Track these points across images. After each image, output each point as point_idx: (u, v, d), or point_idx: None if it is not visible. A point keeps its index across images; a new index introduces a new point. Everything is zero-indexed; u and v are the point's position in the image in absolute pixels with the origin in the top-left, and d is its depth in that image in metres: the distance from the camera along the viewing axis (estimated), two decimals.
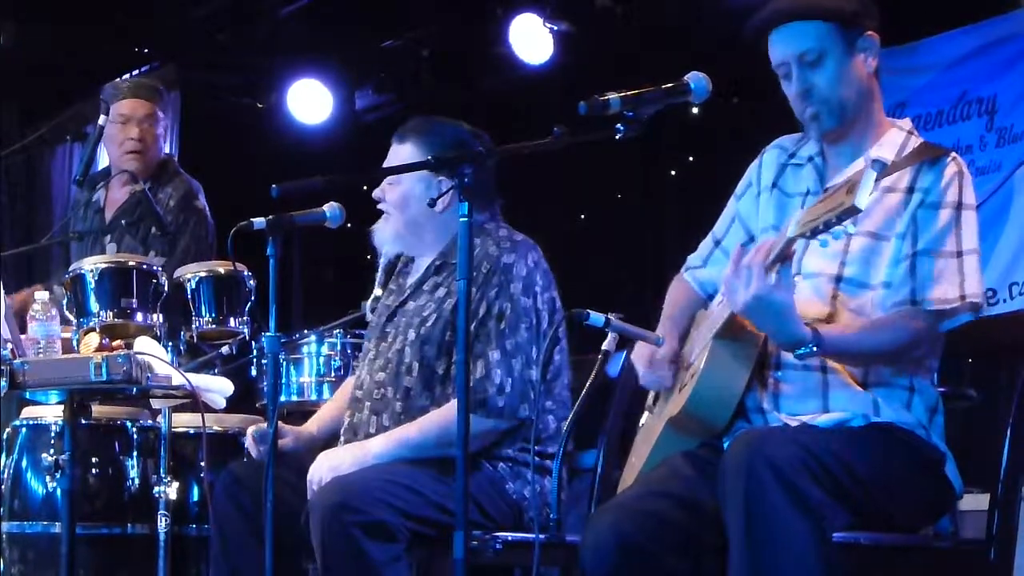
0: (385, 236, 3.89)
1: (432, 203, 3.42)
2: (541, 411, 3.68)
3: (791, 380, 3.10)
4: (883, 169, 3.04)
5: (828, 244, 2.96)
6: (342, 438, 3.83)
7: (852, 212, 2.71)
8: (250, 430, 3.88)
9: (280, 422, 3.98)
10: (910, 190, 3.10)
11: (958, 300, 3.03)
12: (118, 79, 5.33)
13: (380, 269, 4.05)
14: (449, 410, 3.55)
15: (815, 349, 2.95)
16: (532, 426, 3.62)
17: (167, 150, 5.61)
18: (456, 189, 3.06)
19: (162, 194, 5.24)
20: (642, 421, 3.42)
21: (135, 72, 7.89)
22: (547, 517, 3.63)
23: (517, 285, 3.68)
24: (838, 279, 3.11)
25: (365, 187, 3.95)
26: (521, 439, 3.66)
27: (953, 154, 3.13)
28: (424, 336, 3.72)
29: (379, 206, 3.86)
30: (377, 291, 4.03)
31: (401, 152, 3.82)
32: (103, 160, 5.69)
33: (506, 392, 3.62)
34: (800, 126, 3.28)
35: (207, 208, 5.31)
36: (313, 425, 4.01)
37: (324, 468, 3.62)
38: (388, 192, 3.83)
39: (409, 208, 3.80)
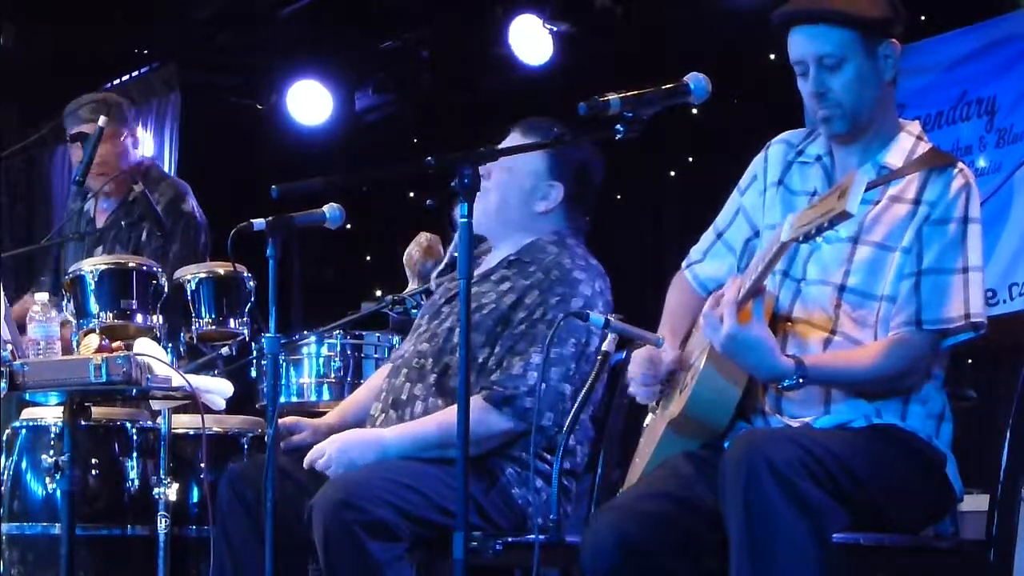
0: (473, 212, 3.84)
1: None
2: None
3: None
4: (887, 174, 3.06)
5: (821, 248, 2.97)
6: (378, 405, 3.78)
7: (844, 217, 2.73)
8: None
9: (298, 417, 3.97)
10: (916, 202, 3.09)
11: (962, 319, 3.03)
12: (75, 100, 5.31)
13: (453, 247, 3.98)
14: (471, 410, 3.51)
15: (800, 381, 2.96)
16: (546, 434, 3.59)
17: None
18: (459, 188, 3.04)
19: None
20: (646, 421, 3.42)
21: (135, 72, 7.91)
22: (548, 519, 3.61)
23: (578, 301, 3.65)
24: (842, 288, 3.10)
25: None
26: (533, 444, 3.62)
27: (960, 165, 3.11)
28: (475, 323, 3.64)
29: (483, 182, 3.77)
30: (439, 276, 3.97)
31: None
32: None
33: (536, 396, 3.58)
34: (804, 124, 3.27)
35: (196, 209, 5.26)
36: (333, 416, 3.97)
37: (331, 448, 3.58)
38: (495, 172, 3.74)
39: (506, 194, 3.74)
